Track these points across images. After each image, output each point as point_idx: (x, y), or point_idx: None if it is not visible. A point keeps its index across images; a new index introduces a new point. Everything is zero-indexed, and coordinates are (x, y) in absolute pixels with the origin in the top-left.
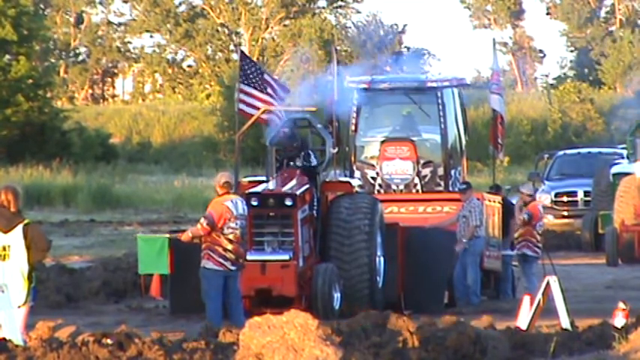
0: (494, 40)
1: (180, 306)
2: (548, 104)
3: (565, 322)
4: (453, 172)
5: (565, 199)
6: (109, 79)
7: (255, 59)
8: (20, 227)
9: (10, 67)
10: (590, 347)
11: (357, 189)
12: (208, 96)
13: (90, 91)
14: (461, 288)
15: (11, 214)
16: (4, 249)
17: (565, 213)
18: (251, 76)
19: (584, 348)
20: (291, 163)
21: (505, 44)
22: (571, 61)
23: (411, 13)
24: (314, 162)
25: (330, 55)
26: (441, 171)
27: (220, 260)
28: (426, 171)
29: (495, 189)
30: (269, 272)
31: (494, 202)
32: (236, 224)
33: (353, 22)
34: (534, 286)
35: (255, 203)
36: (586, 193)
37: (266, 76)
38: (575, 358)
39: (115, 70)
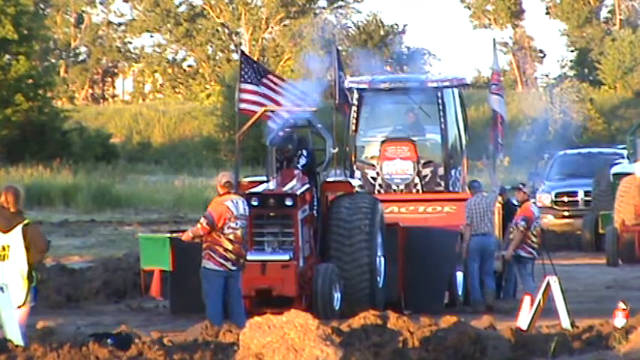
0: (494, 40)
1: (180, 306)
2: (550, 104)
3: (565, 322)
4: (453, 172)
5: (565, 199)
6: (109, 79)
7: (255, 59)
8: (20, 227)
9: (10, 67)
10: (590, 347)
11: (357, 189)
12: (208, 96)
13: (90, 91)
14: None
15: (11, 214)
16: (4, 249)
17: (565, 213)
18: (252, 75)
19: (584, 348)
20: (291, 164)
21: (505, 44)
22: (571, 61)
23: (411, 13)
24: (303, 161)
25: (331, 56)
26: (441, 171)
27: (221, 260)
28: (427, 171)
29: (500, 190)
30: (269, 272)
31: None
32: (236, 224)
33: (353, 22)
34: (531, 286)
35: (255, 203)
36: (586, 193)
37: (271, 77)
38: (575, 358)
39: (115, 70)
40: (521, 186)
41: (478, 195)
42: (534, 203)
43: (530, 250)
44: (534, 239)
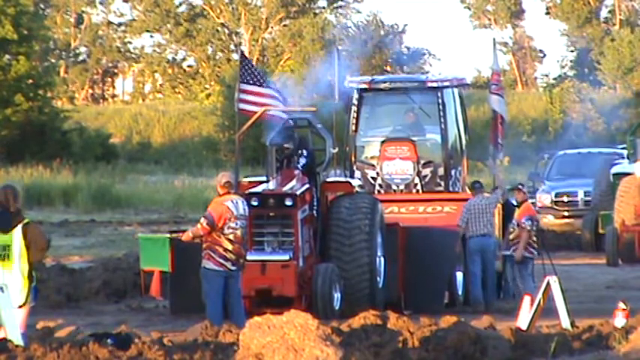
0: (494, 40)
1: (180, 306)
2: (550, 104)
3: (565, 322)
4: (453, 172)
5: (565, 199)
6: (109, 79)
7: (255, 59)
8: (20, 227)
9: (10, 67)
10: (590, 347)
11: (357, 189)
12: (208, 96)
13: (90, 91)
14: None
15: (11, 213)
16: (4, 249)
17: (565, 213)
18: (251, 75)
19: (584, 348)
20: (289, 164)
21: (505, 44)
22: (571, 61)
23: (411, 13)
24: (303, 162)
25: (332, 56)
26: (441, 171)
27: (221, 260)
28: (427, 171)
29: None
30: (269, 272)
31: None
32: (236, 224)
33: (353, 22)
34: (531, 286)
35: (255, 203)
36: (586, 193)
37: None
38: (575, 358)
39: (115, 70)
40: (520, 186)
41: (478, 196)
42: (533, 203)
43: (532, 249)
44: (535, 239)
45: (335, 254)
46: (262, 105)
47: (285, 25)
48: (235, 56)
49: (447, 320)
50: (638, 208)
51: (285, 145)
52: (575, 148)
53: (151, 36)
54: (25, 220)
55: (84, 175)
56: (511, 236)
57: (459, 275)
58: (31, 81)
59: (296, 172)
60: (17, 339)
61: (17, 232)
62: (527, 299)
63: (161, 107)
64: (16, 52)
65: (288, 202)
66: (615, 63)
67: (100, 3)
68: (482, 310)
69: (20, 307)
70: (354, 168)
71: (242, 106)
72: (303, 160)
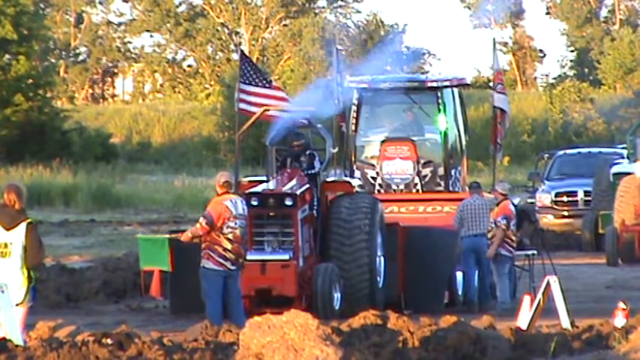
0: (494, 40)
1: (180, 306)
2: (549, 104)
3: (565, 322)
4: (453, 171)
5: (565, 199)
6: (109, 79)
7: (255, 59)
8: (24, 225)
9: (10, 67)
10: (590, 347)
11: (357, 189)
12: (208, 96)
13: (90, 90)
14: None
15: (15, 211)
16: (6, 246)
17: (565, 213)
18: (251, 75)
19: (584, 348)
20: (295, 163)
21: (505, 44)
22: (571, 61)
23: (411, 13)
24: (317, 166)
25: (332, 56)
26: (441, 171)
27: (220, 260)
28: (426, 171)
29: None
30: (269, 272)
31: None
32: (235, 224)
33: (353, 22)
34: (505, 286)
35: (255, 203)
36: (586, 193)
37: (265, 81)
38: (575, 358)
39: (115, 70)
40: (496, 186)
41: (474, 196)
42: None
43: (510, 248)
44: (514, 238)
45: (335, 254)
46: (262, 105)
47: (285, 25)
48: (235, 56)
49: (447, 320)
50: (638, 208)
51: (295, 142)
52: (575, 148)
53: (151, 36)
54: (29, 219)
55: (84, 175)
56: (489, 234)
57: (459, 275)
58: (31, 81)
59: (296, 171)
60: (17, 339)
61: (20, 230)
62: (527, 299)
63: (161, 107)
64: (16, 52)
65: (288, 202)
66: (615, 63)
67: (100, 3)
68: (475, 310)
69: (18, 305)
70: (354, 168)
71: (242, 106)
72: (317, 165)
